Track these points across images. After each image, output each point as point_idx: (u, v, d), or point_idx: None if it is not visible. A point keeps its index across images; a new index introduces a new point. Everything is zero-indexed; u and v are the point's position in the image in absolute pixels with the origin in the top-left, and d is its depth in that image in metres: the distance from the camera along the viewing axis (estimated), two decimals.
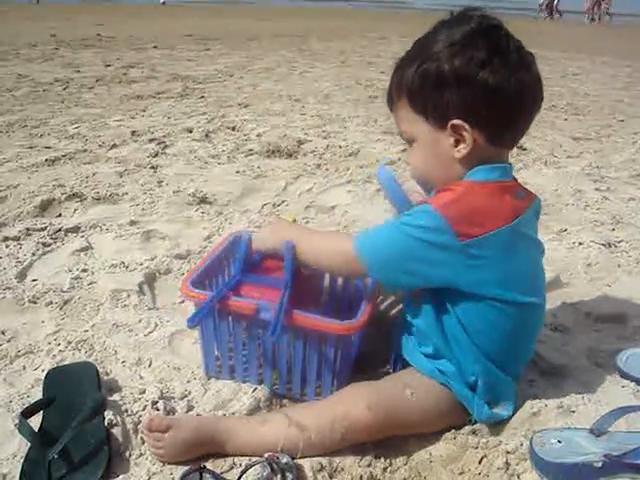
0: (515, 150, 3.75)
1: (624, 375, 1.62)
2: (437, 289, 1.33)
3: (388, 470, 1.30)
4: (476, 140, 1.28)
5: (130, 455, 1.31)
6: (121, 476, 1.26)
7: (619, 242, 2.49)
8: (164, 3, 22.21)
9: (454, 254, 1.26)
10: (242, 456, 1.30)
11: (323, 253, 1.44)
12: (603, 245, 2.44)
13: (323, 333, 1.38)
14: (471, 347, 1.35)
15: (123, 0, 21.50)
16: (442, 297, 1.34)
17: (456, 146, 1.30)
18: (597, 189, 3.18)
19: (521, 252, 1.34)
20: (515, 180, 1.40)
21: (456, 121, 1.27)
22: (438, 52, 1.27)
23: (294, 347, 1.42)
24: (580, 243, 2.45)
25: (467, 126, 1.27)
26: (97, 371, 1.53)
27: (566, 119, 4.93)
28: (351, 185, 3.04)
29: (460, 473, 1.30)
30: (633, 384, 1.59)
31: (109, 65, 6.58)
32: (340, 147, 3.66)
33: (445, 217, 1.24)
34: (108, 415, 1.38)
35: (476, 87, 1.25)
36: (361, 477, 1.27)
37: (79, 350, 1.67)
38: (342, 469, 1.29)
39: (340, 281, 1.72)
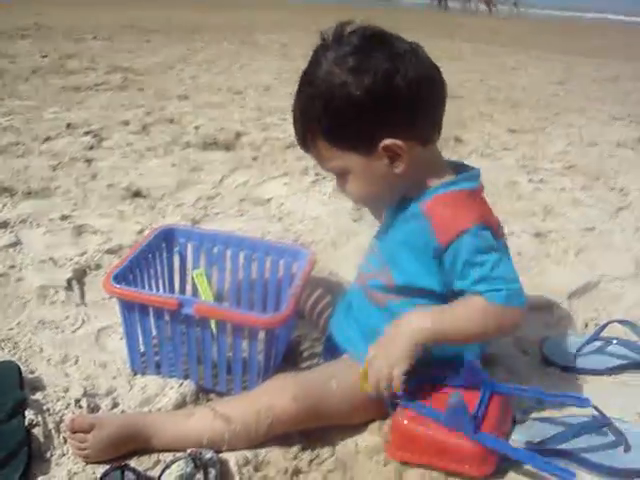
0: (452, 142, 3.81)
1: (549, 362, 1.67)
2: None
3: (314, 462, 1.30)
4: (411, 150, 1.26)
5: (51, 455, 1.28)
6: (41, 477, 1.22)
7: (549, 232, 2.55)
8: None
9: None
10: (169, 451, 1.29)
11: (470, 327, 1.28)
12: (534, 235, 2.49)
13: (248, 327, 1.37)
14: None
15: None
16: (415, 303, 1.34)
17: (392, 163, 1.28)
18: (530, 180, 3.24)
19: None
20: None
21: (387, 141, 1.24)
22: (341, 81, 1.21)
23: (219, 341, 1.41)
24: (511, 233, 2.48)
25: (399, 142, 1.24)
26: (20, 370, 1.48)
27: (503, 112, 5.00)
28: (287, 178, 3.03)
29: (385, 464, 1.30)
30: (558, 371, 1.64)
31: (46, 56, 6.39)
32: (278, 139, 3.64)
33: (485, 224, 1.27)
34: (29, 415, 1.35)
35: (394, 99, 1.22)
36: (287, 470, 1.26)
37: (2, 349, 1.62)
38: (268, 462, 1.28)
39: (267, 274, 1.71)
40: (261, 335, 1.38)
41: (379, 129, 1.24)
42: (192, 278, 1.68)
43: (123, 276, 1.46)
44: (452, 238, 1.25)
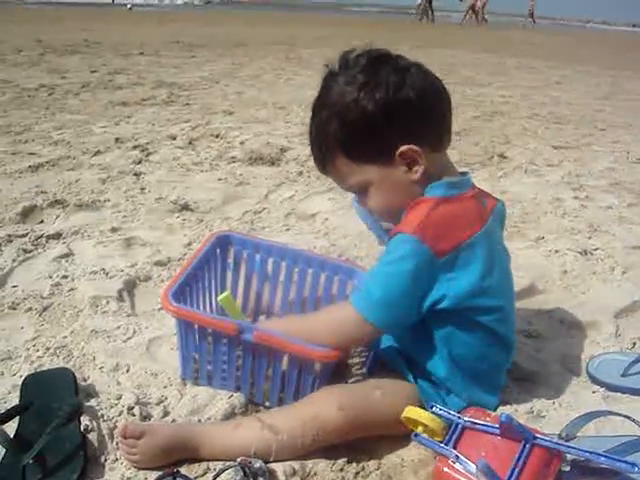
0: (496, 158, 3.81)
1: (595, 381, 1.66)
2: None
3: (360, 475, 1.31)
4: (425, 155, 1.32)
5: (105, 460, 1.32)
6: None
7: (595, 250, 2.53)
8: (131, 9, 22.08)
9: (439, 272, 1.29)
10: (217, 461, 1.31)
11: (331, 332, 1.38)
12: (579, 253, 2.47)
13: (305, 359, 1.39)
14: (450, 364, 1.38)
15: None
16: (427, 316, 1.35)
17: (410, 169, 1.34)
18: (576, 197, 3.22)
19: (493, 258, 1.38)
20: (474, 187, 1.43)
21: (403, 147, 1.31)
22: (354, 99, 1.30)
23: (274, 368, 1.44)
24: (556, 251, 2.48)
25: (415, 147, 1.31)
26: (74, 377, 1.53)
27: (547, 128, 4.98)
28: (332, 193, 3.05)
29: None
30: (603, 389, 1.63)
31: (95, 71, 6.58)
32: None
33: (422, 239, 1.27)
34: (84, 420, 1.39)
35: (406, 108, 1.30)
36: None
37: (57, 356, 1.67)
38: (315, 473, 1.30)
39: (320, 291, 1.74)
40: (317, 366, 1.41)
41: (394, 138, 1.32)
42: (219, 302, 1.66)
43: (181, 290, 1.49)
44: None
